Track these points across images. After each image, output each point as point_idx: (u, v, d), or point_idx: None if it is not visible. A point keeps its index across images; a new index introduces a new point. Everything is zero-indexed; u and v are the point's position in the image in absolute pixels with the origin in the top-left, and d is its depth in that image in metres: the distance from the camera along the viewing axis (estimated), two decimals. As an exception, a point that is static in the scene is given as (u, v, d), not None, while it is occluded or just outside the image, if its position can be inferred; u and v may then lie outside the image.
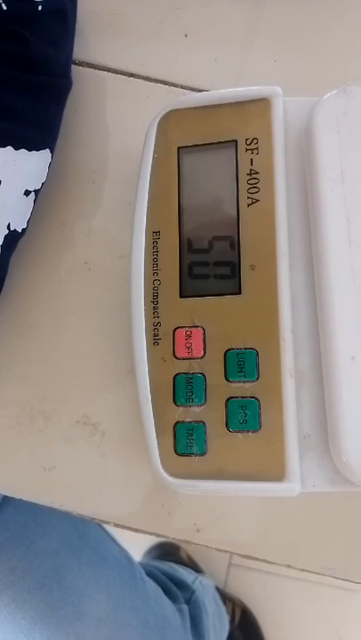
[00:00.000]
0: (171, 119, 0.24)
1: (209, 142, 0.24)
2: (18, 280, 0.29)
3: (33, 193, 0.26)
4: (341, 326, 0.20)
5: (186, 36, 0.31)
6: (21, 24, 0.24)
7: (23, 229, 0.27)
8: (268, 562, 0.27)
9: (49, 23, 0.26)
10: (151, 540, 0.84)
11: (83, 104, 0.30)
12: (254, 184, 0.23)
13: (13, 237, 0.26)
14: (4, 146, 0.24)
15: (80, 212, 0.30)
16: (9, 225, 0.25)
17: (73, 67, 0.29)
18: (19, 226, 0.26)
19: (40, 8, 0.24)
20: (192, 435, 0.21)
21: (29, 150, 0.25)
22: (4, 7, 0.24)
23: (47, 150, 0.27)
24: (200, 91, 0.30)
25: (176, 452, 0.21)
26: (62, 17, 0.27)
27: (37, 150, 0.26)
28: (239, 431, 0.21)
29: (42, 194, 0.28)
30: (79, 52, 0.30)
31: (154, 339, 0.22)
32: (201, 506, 0.27)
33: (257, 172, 0.23)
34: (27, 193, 0.26)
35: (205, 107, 0.24)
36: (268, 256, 0.22)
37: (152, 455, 0.22)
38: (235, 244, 0.22)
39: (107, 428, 0.27)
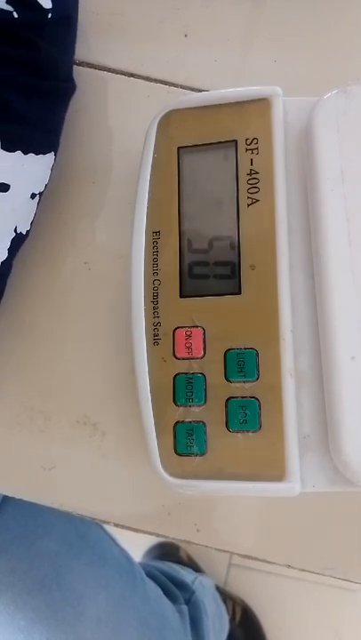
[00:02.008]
0: (171, 119, 0.24)
1: (209, 142, 0.24)
2: (18, 280, 0.29)
3: (38, 196, 0.27)
4: (341, 326, 0.20)
5: (186, 36, 0.31)
6: (32, 31, 0.25)
7: (27, 231, 0.27)
8: (268, 562, 0.27)
9: (57, 29, 0.26)
10: (151, 540, 0.84)
11: (83, 104, 0.30)
12: (254, 184, 0.23)
13: (19, 240, 0.26)
14: (14, 150, 0.24)
15: (81, 212, 0.30)
16: (16, 228, 0.26)
17: (73, 67, 0.29)
18: (24, 228, 0.26)
19: (50, 16, 0.25)
20: (192, 435, 0.21)
21: (37, 154, 0.26)
22: (16, 15, 0.24)
23: (52, 153, 0.27)
24: (200, 91, 0.30)
25: (176, 452, 0.21)
26: (68, 22, 0.27)
27: (44, 154, 0.26)
28: (239, 431, 0.21)
29: (43, 195, 0.28)
30: (79, 52, 0.30)
31: (154, 339, 0.22)
32: (201, 506, 0.27)
33: (257, 172, 0.23)
34: (32, 196, 0.26)
35: (205, 107, 0.24)
36: (268, 256, 0.22)
37: (152, 455, 0.22)
38: (235, 244, 0.22)
39: (107, 427, 0.27)
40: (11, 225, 0.25)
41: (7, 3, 0.24)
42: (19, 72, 0.25)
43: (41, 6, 0.24)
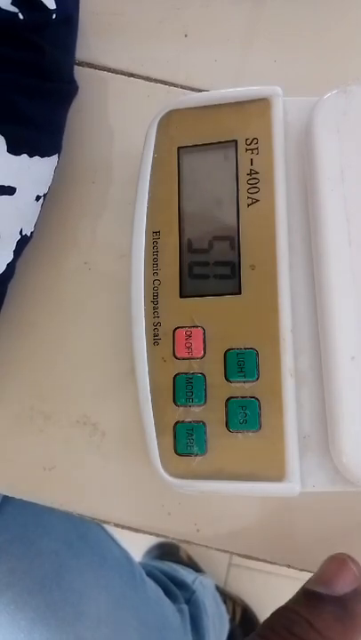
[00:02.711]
0: (171, 119, 0.24)
1: (209, 142, 0.24)
2: (18, 279, 0.29)
3: (42, 198, 0.27)
4: (341, 326, 0.20)
5: (186, 36, 0.31)
6: (36, 32, 0.25)
7: (31, 233, 0.27)
8: (268, 562, 0.27)
9: (59, 30, 0.26)
10: (151, 540, 0.84)
11: (83, 104, 0.30)
12: (254, 184, 0.23)
13: (24, 242, 0.26)
14: (20, 154, 0.24)
15: (80, 212, 0.30)
16: (21, 230, 0.26)
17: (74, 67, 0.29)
18: (28, 231, 0.26)
19: (54, 17, 0.25)
20: (192, 435, 0.21)
21: (42, 157, 0.26)
22: (21, 17, 0.24)
23: (56, 155, 0.27)
24: (200, 91, 0.30)
25: (176, 452, 0.21)
26: (70, 23, 0.27)
27: (49, 156, 0.26)
28: (239, 431, 0.21)
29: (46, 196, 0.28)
30: (79, 52, 0.30)
31: (154, 339, 0.22)
32: (201, 506, 0.27)
33: (257, 172, 0.23)
34: (37, 198, 0.26)
35: (205, 107, 0.24)
36: (268, 256, 0.22)
37: (152, 455, 0.22)
38: (235, 244, 0.22)
39: (107, 427, 0.27)
40: (17, 227, 0.25)
41: (12, 4, 0.24)
42: (21, 74, 0.25)
43: (46, 7, 0.24)
